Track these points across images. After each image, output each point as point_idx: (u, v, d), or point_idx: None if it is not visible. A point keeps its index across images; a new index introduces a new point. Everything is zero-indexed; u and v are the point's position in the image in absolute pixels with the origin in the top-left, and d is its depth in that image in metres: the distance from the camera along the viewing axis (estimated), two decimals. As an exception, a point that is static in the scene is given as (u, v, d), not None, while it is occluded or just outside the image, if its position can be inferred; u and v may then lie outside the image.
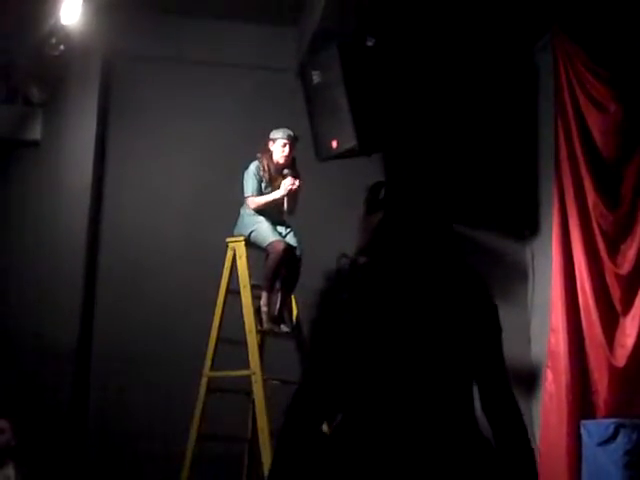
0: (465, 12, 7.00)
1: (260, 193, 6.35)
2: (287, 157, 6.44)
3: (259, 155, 6.45)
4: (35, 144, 7.18)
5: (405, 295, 2.28)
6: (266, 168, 6.41)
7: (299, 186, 6.37)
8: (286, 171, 6.43)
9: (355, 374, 2.27)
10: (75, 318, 6.90)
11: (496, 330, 2.37)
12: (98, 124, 7.30)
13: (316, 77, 6.85)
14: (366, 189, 2.46)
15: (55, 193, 7.03)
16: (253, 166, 6.40)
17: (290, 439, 2.32)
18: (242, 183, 6.40)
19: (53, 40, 6.39)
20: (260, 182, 6.38)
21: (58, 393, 6.69)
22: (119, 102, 7.42)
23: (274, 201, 6.34)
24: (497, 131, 7.76)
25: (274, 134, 6.47)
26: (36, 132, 7.20)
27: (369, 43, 6.56)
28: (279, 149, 6.45)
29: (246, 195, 6.36)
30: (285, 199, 6.36)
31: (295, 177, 6.39)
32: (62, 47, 6.44)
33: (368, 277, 2.30)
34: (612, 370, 6.25)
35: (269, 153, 6.46)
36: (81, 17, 6.27)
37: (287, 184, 6.33)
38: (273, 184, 6.39)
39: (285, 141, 6.44)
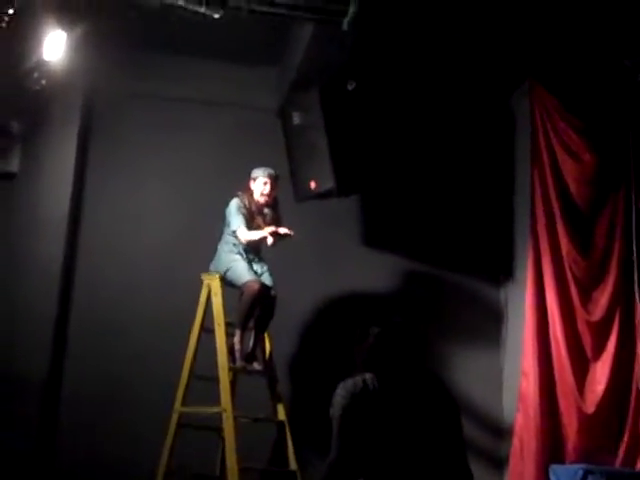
0: (445, 60, 7.11)
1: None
2: (268, 196, 6.46)
3: (239, 193, 6.45)
4: (12, 176, 7.17)
5: (399, 400, 3.48)
6: (247, 206, 6.41)
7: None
8: (266, 211, 6.46)
9: (372, 451, 3.41)
10: (47, 352, 6.87)
11: (457, 421, 3.52)
12: (77, 159, 7.31)
13: (296, 118, 6.91)
14: (357, 328, 3.63)
15: (31, 226, 7.00)
16: (234, 202, 6.39)
17: None
18: (225, 219, 6.37)
19: (35, 75, 6.41)
20: (245, 217, 6.38)
21: (26, 427, 6.62)
22: (99, 137, 7.44)
23: (261, 239, 6.30)
24: (474, 177, 7.87)
25: (255, 173, 6.48)
26: (14, 164, 7.20)
27: (350, 87, 6.65)
28: (260, 187, 6.45)
29: (234, 228, 6.31)
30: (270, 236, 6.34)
31: (276, 218, 6.40)
32: (44, 82, 6.45)
33: (376, 389, 3.50)
34: (582, 416, 6.30)
35: (250, 191, 6.47)
36: (64, 53, 6.30)
37: (282, 230, 6.26)
38: (253, 223, 6.38)
39: (266, 180, 6.45)
